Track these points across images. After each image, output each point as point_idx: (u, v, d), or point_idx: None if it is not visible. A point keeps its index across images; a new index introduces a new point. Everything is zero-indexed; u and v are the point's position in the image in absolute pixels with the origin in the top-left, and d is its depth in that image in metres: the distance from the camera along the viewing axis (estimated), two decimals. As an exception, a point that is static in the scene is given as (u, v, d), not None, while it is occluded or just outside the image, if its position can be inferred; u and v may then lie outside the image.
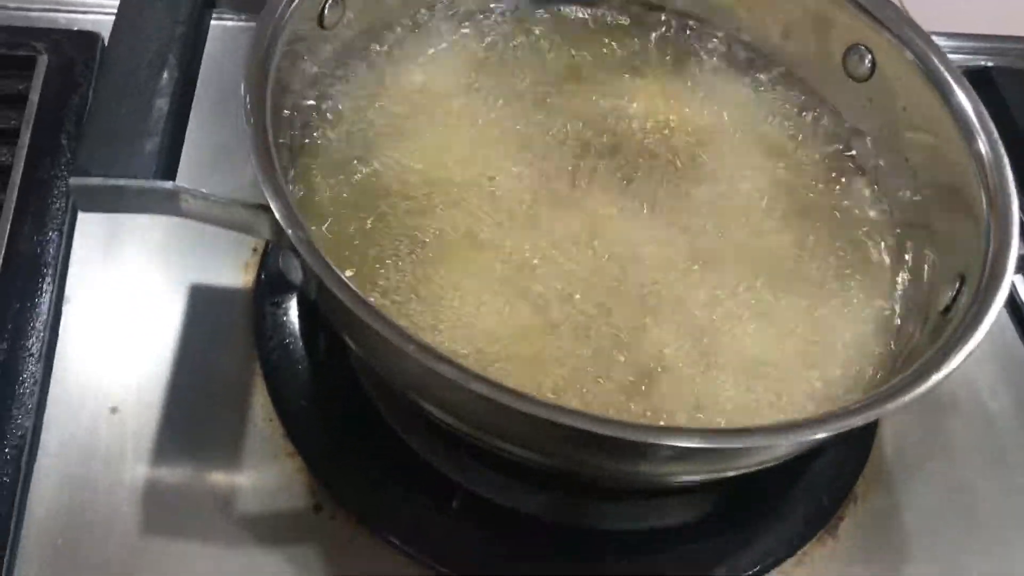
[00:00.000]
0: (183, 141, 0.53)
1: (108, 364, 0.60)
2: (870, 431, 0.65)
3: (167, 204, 0.50)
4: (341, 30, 0.62)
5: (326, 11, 0.60)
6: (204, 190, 0.50)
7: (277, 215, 0.47)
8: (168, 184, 0.50)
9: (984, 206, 0.56)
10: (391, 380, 0.52)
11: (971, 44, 0.89)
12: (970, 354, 0.50)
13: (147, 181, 0.49)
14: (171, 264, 0.64)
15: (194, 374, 0.61)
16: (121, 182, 0.49)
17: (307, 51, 0.60)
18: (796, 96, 0.69)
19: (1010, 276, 0.53)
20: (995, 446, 0.67)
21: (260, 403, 0.60)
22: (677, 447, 0.46)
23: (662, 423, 0.51)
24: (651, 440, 0.45)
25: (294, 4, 0.57)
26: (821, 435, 0.48)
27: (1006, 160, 0.57)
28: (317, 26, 0.61)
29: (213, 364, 0.61)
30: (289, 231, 0.47)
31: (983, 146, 0.58)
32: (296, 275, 0.50)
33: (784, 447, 0.50)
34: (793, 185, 0.66)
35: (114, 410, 0.58)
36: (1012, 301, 0.72)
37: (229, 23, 0.71)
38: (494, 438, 0.51)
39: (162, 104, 0.52)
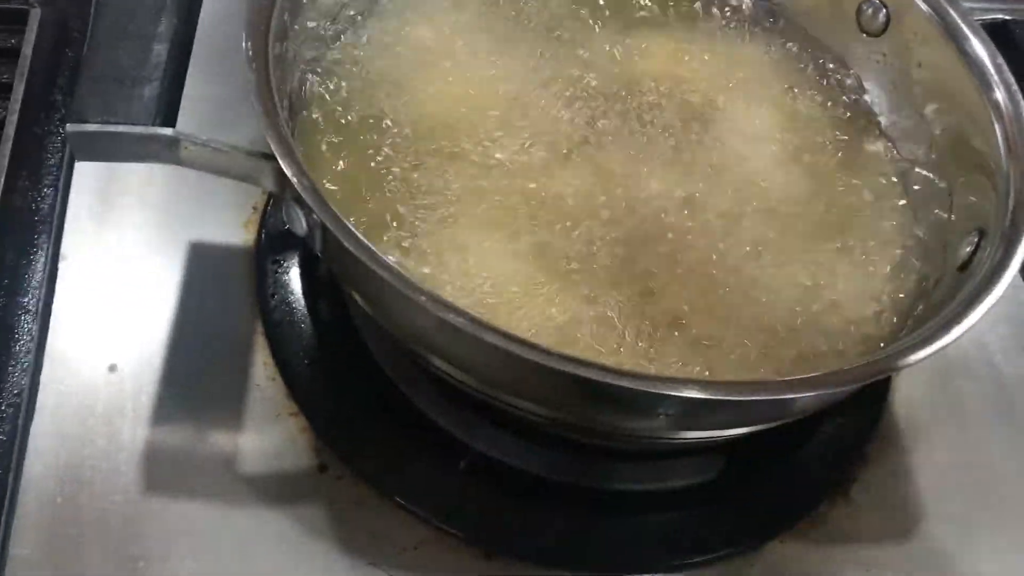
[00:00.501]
0: (183, 87, 0.51)
1: (106, 322, 0.59)
2: (881, 393, 0.64)
3: (167, 152, 0.49)
4: None
5: None
6: (205, 137, 0.48)
7: (281, 163, 0.46)
8: (168, 131, 0.48)
9: (1003, 157, 0.55)
10: (397, 334, 0.51)
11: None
12: (990, 308, 0.49)
13: (146, 127, 0.48)
14: (170, 222, 0.63)
15: (195, 332, 0.59)
16: (120, 128, 0.48)
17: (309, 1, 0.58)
18: (809, 52, 0.68)
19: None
20: (1006, 408, 0.66)
21: (262, 361, 0.59)
22: (686, 398, 0.44)
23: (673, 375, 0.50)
24: (657, 391, 0.44)
25: None
26: (830, 393, 0.46)
27: (1024, 107, 0.55)
28: None
29: (214, 322, 0.60)
30: (294, 179, 0.46)
31: (1001, 95, 0.57)
32: (300, 226, 0.48)
33: (802, 402, 0.49)
34: (808, 141, 0.65)
35: (113, 368, 0.57)
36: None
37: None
38: (502, 392, 0.50)
39: (160, 49, 0.51)
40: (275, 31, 0.53)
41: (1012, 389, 0.67)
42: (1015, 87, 0.56)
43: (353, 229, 0.45)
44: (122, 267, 0.61)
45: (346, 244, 0.44)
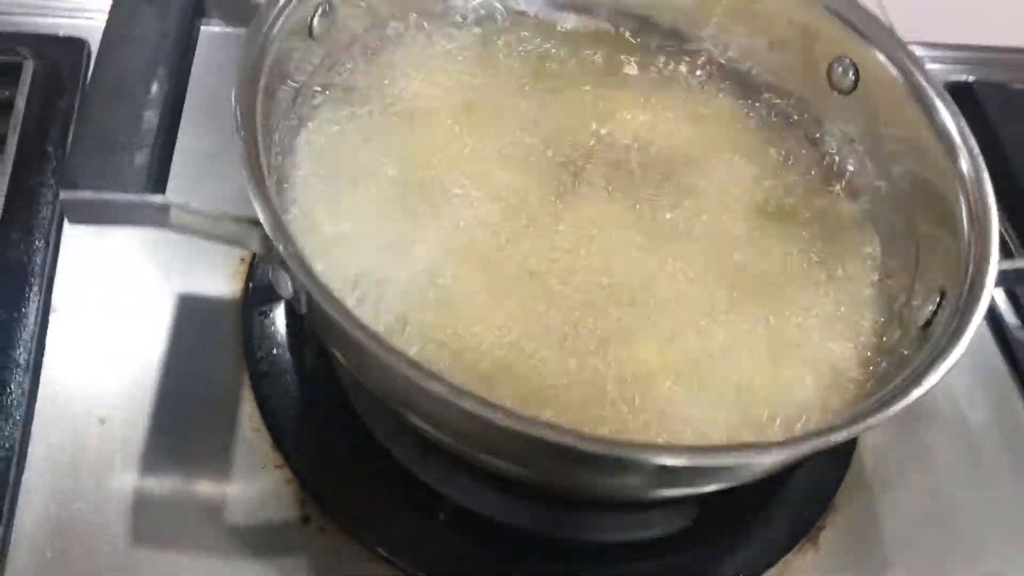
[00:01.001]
0: (172, 153, 0.53)
1: (96, 374, 0.60)
2: (850, 442, 0.66)
3: (156, 218, 0.50)
4: (330, 39, 0.62)
5: (315, 20, 0.60)
6: (193, 204, 0.50)
7: (266, 229, 0.47)
8: (158, 198, 0.50)
9: (965, 222, 0.57)
10: (379, 395, 0.53)
11: (954, 54, 0.90)
12: (950, 370, 0.51)
13: (137, 195, 0.49)
14: (159, 273, 0.65)
15: (182, 384, 0.61)
16: (111, 196, 0.49)
17: (297, 60, 0.60)
18: (782, 108, 0.70)
19: (989, 291, 0.54)
20: (973, 456, 0.68)
21: (248, 413, 0.60)
22: (657, 464, 0.46)
23: (643, 438, 0.51)
24: (628, 456, 0.46)
25: (284, 14, 0.57)
26: (801, 453, 0.48)
27: (987, 178, 0.57)
28: (306, 35, 0.60)
29: (201, 374, 0.61)
30: (278, 245, 0.47)
31: (965, 164, 0.59)
32: (285, 289, 0.50)
33: (766, 465, 0.50)
34: (778, 197, 0.66)
35: (102, 420, 0.59)
36: (992, 313, 0.73)
37: (218, 30, 0.71)
38: (479, 451, 0.51)
39: (151, 116, 0.52)
40: (263, 91, 0.55)
41: (978, 436, 0.69)
42: (979, 156, 0.58)
43: (336, 296, 0.47)
44: (112, 320, 0.62)
45: (329, 312, 0.46)
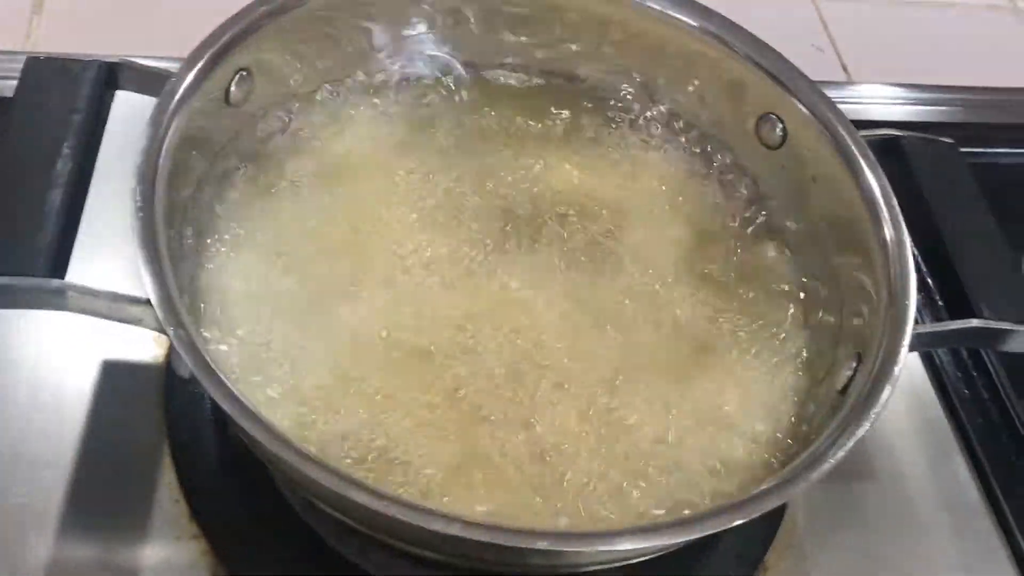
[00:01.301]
0: (75, 234, 0.53)
1: (12, 440, 0.60)
2: (781, 501, 0.65)
3: (55, 301, 0.50)
4: (249, 106, 0.62)
5: (232, 87, 0.60)
6: (91, 285, 0.50)
7: (157, 311, 0.47)
8: (54, 282, 0.50)
9: (883, 292, 0.56)
10: (287, 483, 0.52)
11: (911, 95, 0.90)
12: (857, 441, 0.51)
13: (33, 279, 0.49)
14: (81, 339, 0.64)
15: (102, 452, 0.61)
16: (5, 280, 0.49)
17: (213, 129, 0.60)
18: (712, 164, 0.70)
19: (901, 363, 0.53)
20: (908, 513, 0.67)
21: (167, 482, 0.60)
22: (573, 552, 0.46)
23: (557, 524, 0.52)
24: (542, 546, 0.45)
25: (197, 83, 0.57)
26: (706, 533, 0.48)
27: (908, 245, 0.57)
28: (224, 103, 0.60)
29: (122, 442, 0.61)
30: (168, 329, 0.47)
31: (888, 230, 0.58)
32: (184, 370, 0.50)
33: (678, 542, 0.50)
34: (708, 256, 0.66)
35: (19, 493, 0.58)
36: (932, 366, 0.72)
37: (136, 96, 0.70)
38: (395, 540, 0.51)
39: (55, 197, 0.52)
40: (171, 168, 0.54)
41: (915, 492, 0.68)
42: (902, 225, 0.58)
43: (228, 385, 0.46)
44: (31, 387, 0.62)
45: (220, 404, 0.45)
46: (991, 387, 0.71)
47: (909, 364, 0.69)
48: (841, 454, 0.50)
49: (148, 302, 0.49)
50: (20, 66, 0.58)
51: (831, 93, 0.79)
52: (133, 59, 0.60)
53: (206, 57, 0.57)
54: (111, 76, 0.58)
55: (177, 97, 0.56)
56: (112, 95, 0.59)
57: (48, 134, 0.55)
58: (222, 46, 0.58)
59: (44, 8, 0.82)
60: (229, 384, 0.46)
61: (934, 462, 0.69)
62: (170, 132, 0.55)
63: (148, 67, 0.59)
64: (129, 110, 0.60)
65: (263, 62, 0.61)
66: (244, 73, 0.60)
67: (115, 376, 0.64)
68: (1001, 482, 0.68)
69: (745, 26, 0.66)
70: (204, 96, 0.57)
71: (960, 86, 0.90)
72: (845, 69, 0.94)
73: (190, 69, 0.57)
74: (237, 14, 0.59)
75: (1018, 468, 0.69)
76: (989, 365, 0.72)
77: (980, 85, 0.90)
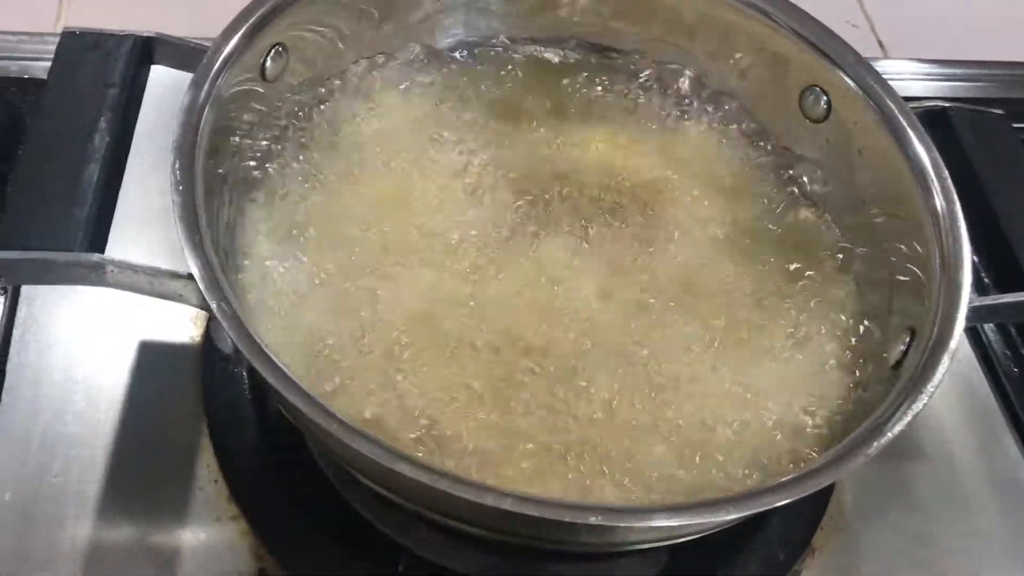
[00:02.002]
0: (113, 209, 0.53)
1: (51, 423, 0.59)
2: (829, 481, 0.64)
3: (93, 276, 0.49)
4: (285, 81, 0.61)
5: (268, 62, 0.59)
6: (133, 259, 0.49)
7: (200, 286, 0.46)
8: (93, 256, 0.49)
9: (936, 265, 0.55)
10: (327, 454, 0.51)
11: (946, 71, 0.88)
12: (916, 416, 0.49)
13: (71, 254, 0.49)
14: (118, 320, 0.63)
15: (140, 432, 0.60)
16: (45, 255, 0.49)
17: (250, 104, 0.59)
18: (754, 138, 0.68)
19: (958, 334, 0.52)
20: (958, 492, 0.66)
21: (206, 463, 0.59)
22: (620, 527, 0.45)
23: (603, 499, 0.50)
24: (590, 521, 0.44)
25: (233, 57, 0.56)
26: (756, 511, 0.47)
27: (960, 216, 0.56)
28: (259, 78, 0.59)
29: (159, 423, 0.60)
30: (212, 303, 0.46)
31: (938, 200, 0.57)
32: (226, 345, 0.49)
33: (730, 519, 0.49)
34: (751, 230, 0.65)
35: (56, 471, 0.58)
36: (981, 345, 0.71)
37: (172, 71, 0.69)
38: (438, 515, 0.50)
39: (91, 171, 0.52)
40: (210, 142, 0.54)
41: (964, 473, 0.67)
42: (952, 192, 0.56)
43: (275, 359, 0.45)
44: (69, 368, 0.62)
45: (266, 377, 0.45)
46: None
47: None
48: (899, 428, 0.49)
49: (190, 276, 0.48)
50: (51, 47, 0.57)
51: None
52: (167, 34, 0.59)
53: (241, 31, 0.56)
54: (146, 51, 0.58)
55: (213, 71, 0.55)
56: (147, 70, 0.59)
57: (84, 110, 0.54)
58: (258, 19, 0.57)
59: None
60: (275, 359, 0.45)
61: (983, 441, 0.68)
62: (207, 107, 0.54)
63: (184, 41, 0.58)
64: (164, 85, 0.59)
65: (298, 37, 0.60)
66: (280, 48, 0.59)
67: (152, 357, 0.63)
68: (1051, 461, 0.66)
69: (781, 2, 0.64)
70: (240, 71, 0.57)
71: (1001, 61, 0.88)
72: (881, 45, 0.92)
73: (226, 43, 0.56)
74: None
75: (1068, 447, 0.67)
76: (1038, 340, 0.70)
77: (1021, 60, 0.88)
